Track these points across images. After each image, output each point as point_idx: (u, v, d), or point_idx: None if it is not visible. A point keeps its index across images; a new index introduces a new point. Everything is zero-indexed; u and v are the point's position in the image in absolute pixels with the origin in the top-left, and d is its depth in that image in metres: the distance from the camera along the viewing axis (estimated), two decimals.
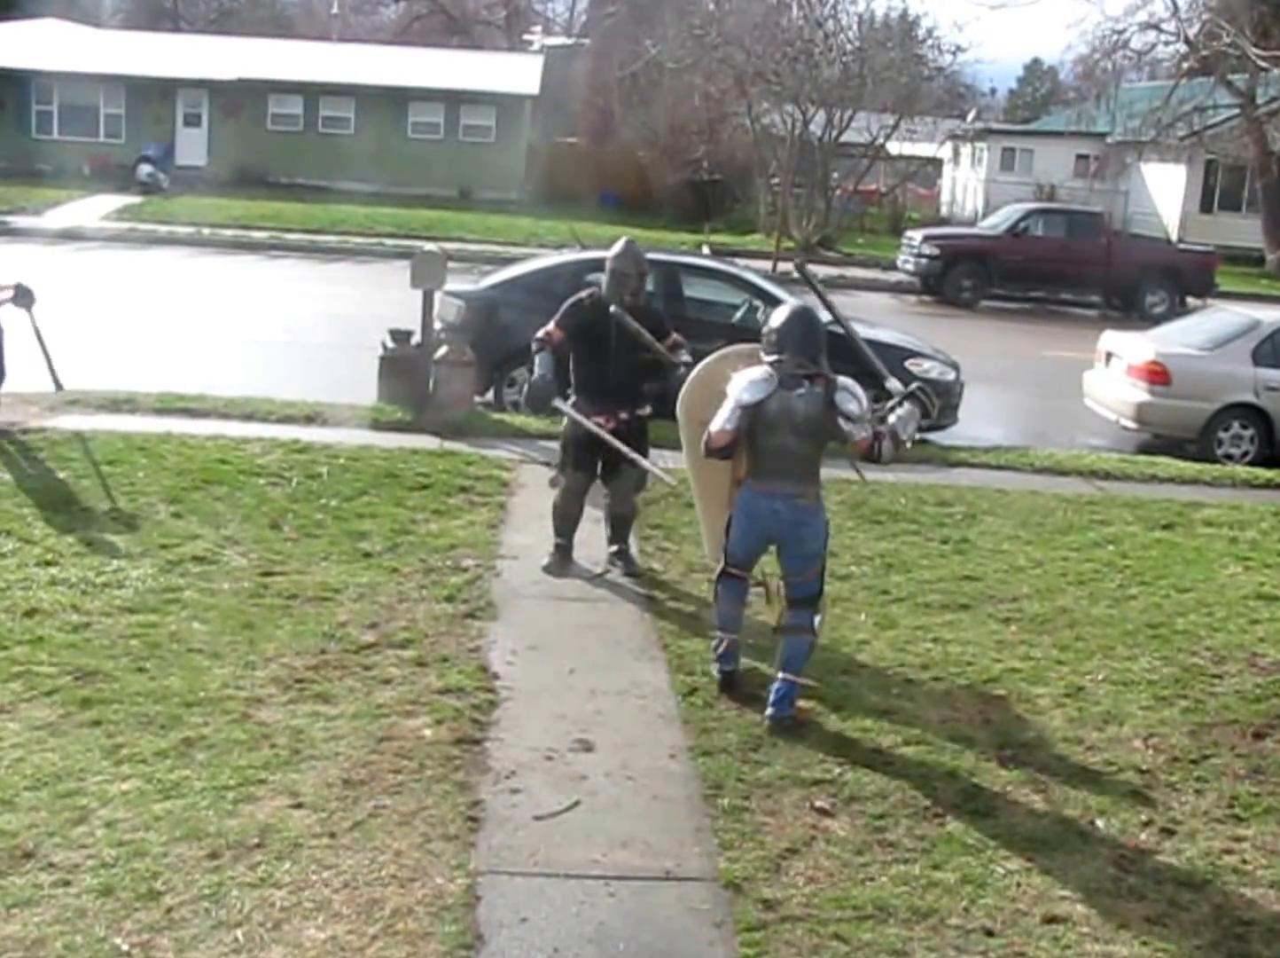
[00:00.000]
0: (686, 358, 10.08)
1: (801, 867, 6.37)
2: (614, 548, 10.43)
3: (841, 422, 7.93)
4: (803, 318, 8.13)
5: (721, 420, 8.00)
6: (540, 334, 10.29)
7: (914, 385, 8.57)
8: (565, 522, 10.36)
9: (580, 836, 6.48)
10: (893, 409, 8.30)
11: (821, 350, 8.06)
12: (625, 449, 9.86)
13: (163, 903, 5.62)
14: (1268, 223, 44.00)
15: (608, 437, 9.89)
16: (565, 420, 10.36)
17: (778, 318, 8.16)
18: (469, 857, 6.18)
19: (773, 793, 7.05)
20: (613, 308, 10.01)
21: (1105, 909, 6.23)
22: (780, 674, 7.97)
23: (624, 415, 10.03)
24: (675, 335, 10.35)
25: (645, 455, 10.12)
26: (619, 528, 10.43)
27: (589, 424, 9.93)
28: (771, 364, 7.97)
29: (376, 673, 8.03)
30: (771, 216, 39.32)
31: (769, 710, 7.88)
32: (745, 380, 7.99)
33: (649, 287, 15.76)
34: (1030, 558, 11.33)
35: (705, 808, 6.86)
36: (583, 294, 10.44)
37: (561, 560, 10.32)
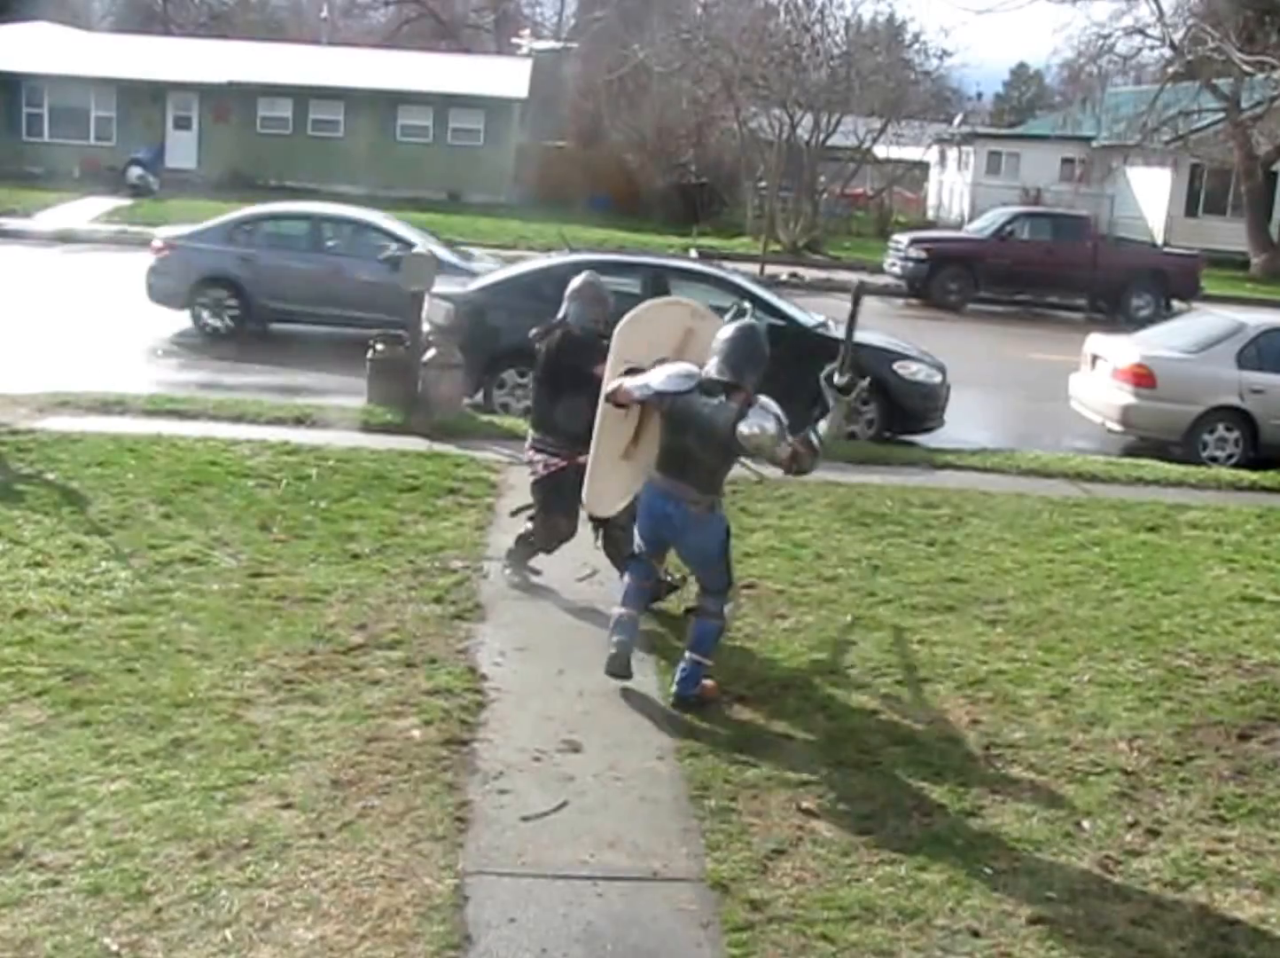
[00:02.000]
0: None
1: (788, 867, 6.40)
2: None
3: (743, 438, 7.90)
4: (750, 334, 8.15)
5: (635, 386, 8.31)
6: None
7: (857, 386, 8.11)
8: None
9: (568, 836, 6.51)
10: (818, 420, 8.09)
11: (752, 369, 8.01)
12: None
13: (152, 903, 5.64)
14: (1252, 226, 44.16)
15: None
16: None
17: (728, 329, 8.18)
18: (457, 857, 6.20)
19: (759, 794, 7.07)
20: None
21: (1091, 910, 6.26)
22: (687, 654, 8.22)
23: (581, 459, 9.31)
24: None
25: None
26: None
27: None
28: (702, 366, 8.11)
29: (365, 674, 8.05)
30: (759, 220, 39.38)
31: (673, 688, 8.17)
32: (671, 369, 8.21)
33: (637, 290, 15.85)
34: (1016, 560, 11.36)
35: (692, 809, 6.88)
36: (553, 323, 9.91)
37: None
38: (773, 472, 8.36)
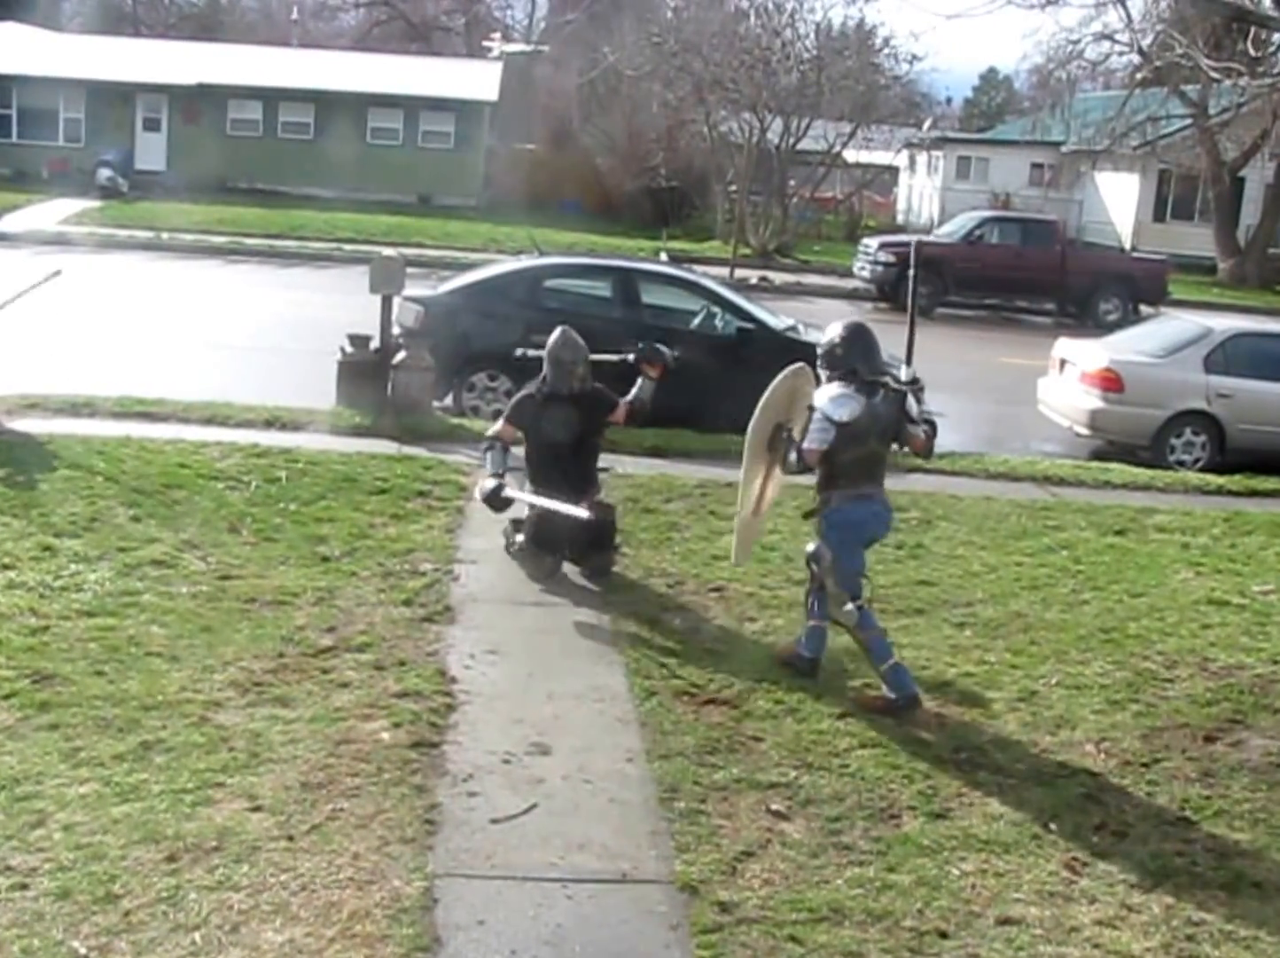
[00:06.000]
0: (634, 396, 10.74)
1: (757, 869, 6.42)
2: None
3: (908, 425, 8.58)
4: (865, 331, 8.64)
5: (815, 439, 8.38)
6: (491, 433, 10.63)
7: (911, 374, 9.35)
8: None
9: (537, 838, 6.52)
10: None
11: (881, 359, 8.72)
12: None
13: (120, 906, 5.63)
14: (1219, 232, 44.43)
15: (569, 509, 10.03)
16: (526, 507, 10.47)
17: (837, 333, 8.57)
18: (426, 860, 6.21)
19: (729, 796, 7.09)
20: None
21: (1058, 911, 6.30)
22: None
23: (585, 504, 10.13)
24: (622, 404, 10.65)
25: (612, 543, 10.48)
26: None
27: (549, 504, 10.12)
28: (842, 378, 8.43)
29: (334, 677, 8.04)
30: (729, 224, 39.39)
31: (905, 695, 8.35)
32: (827, 398, 8.41)
33: (607, 293, 15.89)
34: (984, 563, 11.41)
35: (662, 811, 6.90)
36: (529, 389, 10.61)
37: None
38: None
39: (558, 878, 6.20)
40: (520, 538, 10.46)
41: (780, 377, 8.97)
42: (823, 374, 8.62)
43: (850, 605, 8.53)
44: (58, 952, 5.32)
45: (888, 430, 8.53)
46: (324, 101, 48.12)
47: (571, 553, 10.32)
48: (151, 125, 48.24)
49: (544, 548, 10.32)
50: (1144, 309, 31.14)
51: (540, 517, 10.27)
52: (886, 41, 45.54)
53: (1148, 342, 17.91)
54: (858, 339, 8.54)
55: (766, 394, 8.88)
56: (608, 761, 7.40)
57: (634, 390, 10.62)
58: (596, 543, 10.28)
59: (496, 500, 10.36)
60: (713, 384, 14.45)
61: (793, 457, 8.55)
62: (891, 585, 10.63)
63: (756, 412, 8.88)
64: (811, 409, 8.47)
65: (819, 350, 8.69)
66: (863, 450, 8.44)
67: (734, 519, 9.59)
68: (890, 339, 20.68)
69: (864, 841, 6.77)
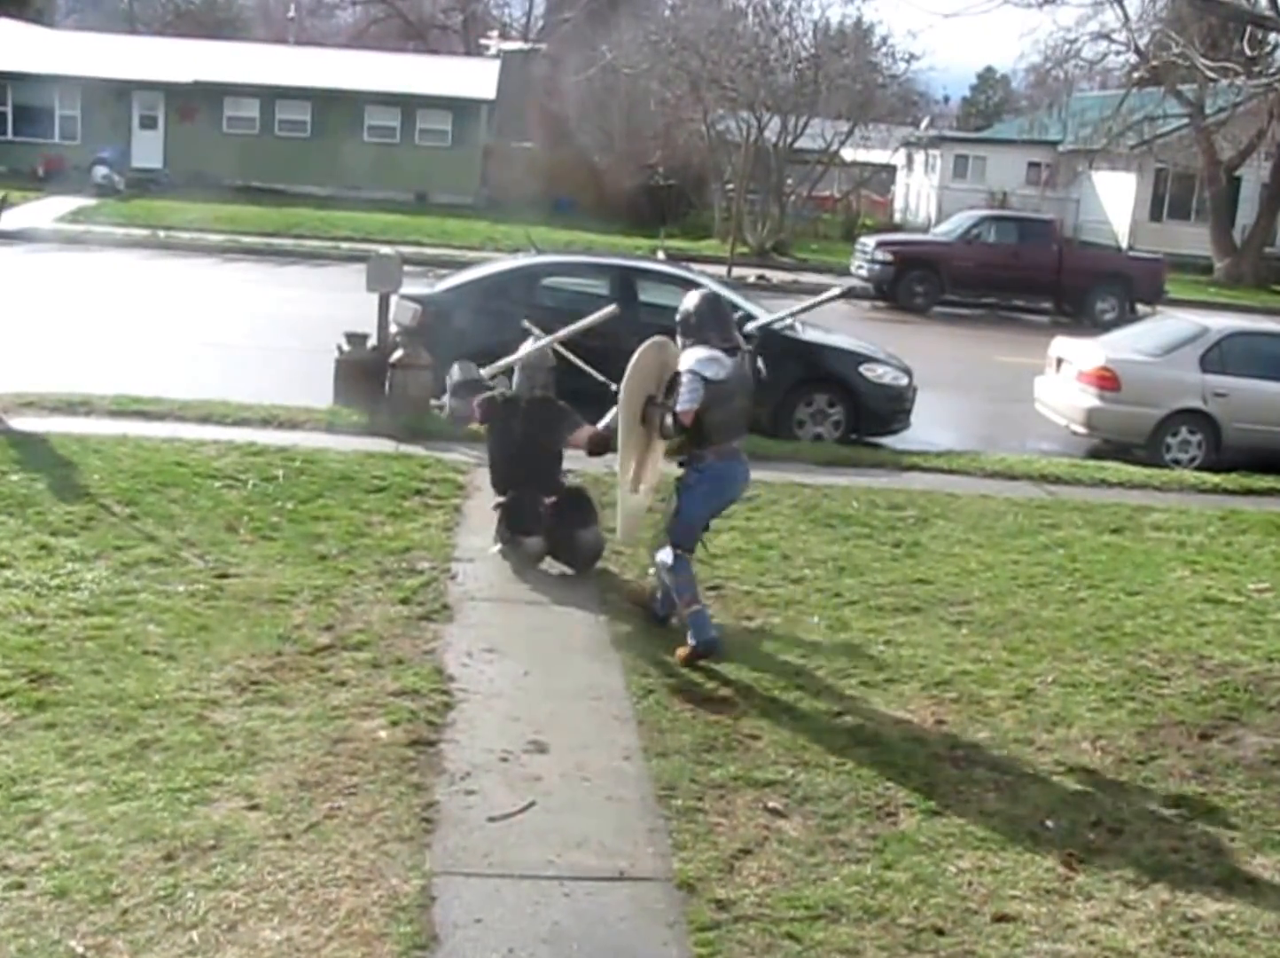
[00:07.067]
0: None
1: (754, 867, 6.42)
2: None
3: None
4: (716, 302, 9.13)
5: (688, 399, 8.68)
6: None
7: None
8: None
9: (535, 836, 6.51)
10: None
11: (735, 329, 9.14)
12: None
13: (118, 905, 5.62)
14: (1215, 231, 44.50)
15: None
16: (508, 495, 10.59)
17: (691, 304, 8.99)
18: (424, 858, 6.21)
19: (726, 794, 7.10)
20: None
21: (1054, 908, 6.31)
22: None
23: (555, 498, 10.50)
24: (587, 428, 10.57)
25: (595, 519, 10.51)
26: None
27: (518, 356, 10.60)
28: (702, 343, 8.81)
29: (332, 675, 8.04)
30: (726, 222, 39.39)
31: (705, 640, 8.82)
32: (695, 360, 8.71)
33: (604, 292, 15.89)
34: (981, 561, 11.42)
35: (659, 809, 6.90)
36: (494, 393, 10.79)
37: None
38: None
39: (555, 876, 6.20)
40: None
41: (641, 349, 9.22)
42: (680, 342, 9.00)
43: (668, 553, 8.97)
44: (55, 951, 5.32)
45: (749, 389, 9.05)
46: (321, 99, 48.11)
47: (552, 536, 10.32)
48: (148, 123, 48.22)
49: (520, 529, 10.37)
50: (1141, 308, 31.18)
51: (511, 501, 10.43)
52: (884, 40, 45.76)
53: (1144, 340, 17.94)
54: (710, 308, 8.96)
55: (630, 369, 9.10)
56: (605, 759, 7.40)
57: (607, 418, 10.49)
58: (576, 519, 10.36)
59: (462, 389, 10.78)
60: None
61: (669, 420, 8.85)
62: (888, 584, 10.65)
63: (623, 388, 9.11)
64: (678, 374, 8.81)
65: (676, 319, 9.11)
66: (732, 408, 8.87)
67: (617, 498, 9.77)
68: (889, 338, 20.80)
69: (861, 838, 6.77)
